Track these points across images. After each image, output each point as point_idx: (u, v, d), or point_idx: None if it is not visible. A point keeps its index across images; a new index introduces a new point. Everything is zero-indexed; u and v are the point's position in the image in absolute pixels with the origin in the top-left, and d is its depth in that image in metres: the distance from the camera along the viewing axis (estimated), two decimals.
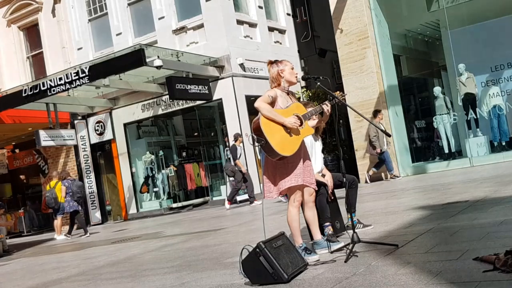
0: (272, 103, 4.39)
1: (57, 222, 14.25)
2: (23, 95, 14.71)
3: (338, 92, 4.93)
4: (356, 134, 13.47)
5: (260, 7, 17.02)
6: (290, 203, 4.48)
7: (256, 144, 4.23)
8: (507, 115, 13.08)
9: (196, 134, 17.54)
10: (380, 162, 12.88)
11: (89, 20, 17.94)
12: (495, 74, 13.26)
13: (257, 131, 4.25)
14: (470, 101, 13.29)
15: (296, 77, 4.57)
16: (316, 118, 4.87)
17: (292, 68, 4.55)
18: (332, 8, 13.71)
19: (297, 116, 4.37)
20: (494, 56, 13.25)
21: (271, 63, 4.59)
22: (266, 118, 4.27)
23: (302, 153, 4.45)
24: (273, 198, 4.51)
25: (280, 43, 17.84)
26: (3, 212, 14.59)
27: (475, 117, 13.27)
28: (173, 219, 13.53)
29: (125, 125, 17.22)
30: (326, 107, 4.62)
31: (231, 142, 13.99)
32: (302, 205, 4.60)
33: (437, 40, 14.72)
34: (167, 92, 14.75)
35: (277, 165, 4.40)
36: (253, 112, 12.71)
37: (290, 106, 4.44)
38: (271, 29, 17.48)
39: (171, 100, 15.56)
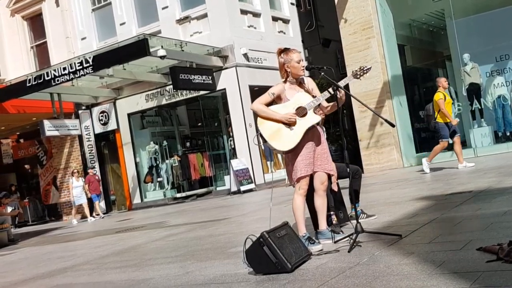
0: (278, 98, 4.46)
1: None
2: (27, 85, 14.75)
3: (360, 67, 4.54)
4: (360, 124, 13.44)
5: None
6: (295, 191, 4.47)
7: (261, 142, 4.38)
8: (511, 105, 13.04)
9: (199, 124, 17.54)
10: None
11: (93, 10, 17.92)
12: (500, 64, 13.18)
13: (258, 131, 4.43)
14: (475, 91, 13.24)
15: (303, 69, 4.52)
16: (328, 105, 4.61)
17: (299, 62, 4.44)
18: None
19: (300, 107, 4.37)
20: (499, 46, 13.16)
21: (280, 52, 4.54)
22: (263, 118, 4.40)
23: (310, 142, 4.43)
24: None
25: (284, 33, 17.78)
26: (9, 202, 14.65)
27: (479, 108, 13.22)
28: (177, 209, 13.57)
29: (129, 115, 17.24)
30: (339, 93, 4.39)
31: None
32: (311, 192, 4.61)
33: (442, 30, 14.63)
34: (170, 82, 14.74)
35: (289, 157, 4.48)
36: None
37: (293, 98, 4.44)
38: (275, 19, 17.41)
39: (174, 90, 15.55)
